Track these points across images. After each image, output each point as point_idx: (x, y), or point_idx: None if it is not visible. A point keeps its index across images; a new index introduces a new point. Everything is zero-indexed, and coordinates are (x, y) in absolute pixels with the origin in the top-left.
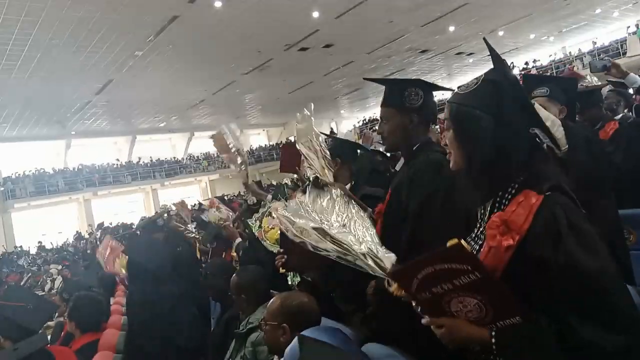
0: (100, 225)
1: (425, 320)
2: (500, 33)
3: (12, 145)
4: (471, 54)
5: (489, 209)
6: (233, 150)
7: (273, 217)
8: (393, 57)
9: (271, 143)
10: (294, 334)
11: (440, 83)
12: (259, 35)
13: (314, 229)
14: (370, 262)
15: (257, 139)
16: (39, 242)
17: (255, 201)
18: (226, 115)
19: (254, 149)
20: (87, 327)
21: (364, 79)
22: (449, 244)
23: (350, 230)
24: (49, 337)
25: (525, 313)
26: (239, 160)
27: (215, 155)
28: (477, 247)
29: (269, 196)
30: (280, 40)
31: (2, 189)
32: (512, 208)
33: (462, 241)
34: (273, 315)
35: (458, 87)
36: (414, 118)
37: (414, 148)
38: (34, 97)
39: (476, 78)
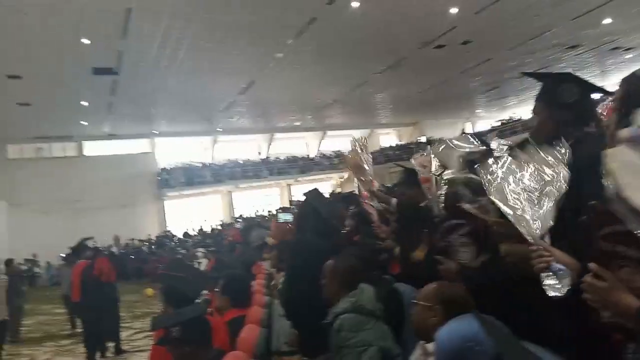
0: (239, 217)
1: (592, 265)
2: None
3: (168, 140)
4: (629, 49)
5: None
6: (363, 165)
7: None
8: (537, 54)
9: (401, 142)
10: (445, 318)
11: (591, 81)
12: (394, 34)
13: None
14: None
15: (387, 138)
16: (187, 229)
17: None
18: (357, 114)
19: (382, 147)
20: (237, 303)
21: (522, 73)
22: None
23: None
24: None
25: None
26: (366, 169)
27: (346, 153)
28: None
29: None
30: (416, 38)
31: (159, 178)
32: None
33: None
34: (427, 296)
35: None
36: (566, 114)
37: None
38: (187, 96)
39: None
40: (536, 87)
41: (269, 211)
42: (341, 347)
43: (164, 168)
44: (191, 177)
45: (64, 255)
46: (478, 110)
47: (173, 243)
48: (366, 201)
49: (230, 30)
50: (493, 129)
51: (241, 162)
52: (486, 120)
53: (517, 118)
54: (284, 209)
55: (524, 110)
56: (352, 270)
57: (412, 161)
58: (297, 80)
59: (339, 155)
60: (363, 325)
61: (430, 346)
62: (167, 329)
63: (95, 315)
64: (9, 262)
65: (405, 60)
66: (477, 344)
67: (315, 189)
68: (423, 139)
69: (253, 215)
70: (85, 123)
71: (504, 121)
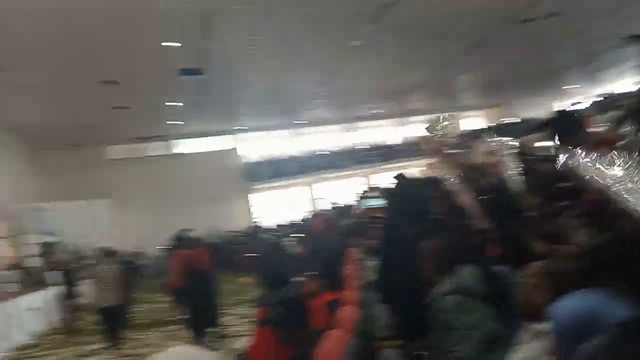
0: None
1: None
2: None
3: (253, 134)
4: None
5: None
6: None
7: None
8: (635, 22)
9: (488, 125)
10: (554, 296)
11: None
12: (476, 11)
13: None
14: None
15: (474, 121)
16: (275, 220)
17: None
18: (440, 98)
19: (465, 131)
20: (330, 286)
21: (630, 37)
22: None
23: None
24: None
25: None
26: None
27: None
28: None
29: None
30: (499, 13)
31: (245, 172)
32: None
33: None
34: (535, 274)
35: None
36: None
37: None
38: (269, 91)
39: None
40: (634, 58)
41: (356, 199)
42: (444, 329)
43: (250, 162)
44: (276, 170)
45: (165, 247)
46: (570, 87)
47: (263, 234)
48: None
49: (308, 22)
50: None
51: (324, 152)
52: (580, 97)
53: (613, 92)
54: (368, 195)
55: (621, 84)
56: (450, 251)
57: (473, 153)
58: (377, 67)
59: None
60: (467, 307)
61: (540, 326)
62: (269, 310)
63: (197, 301)
64: (116, 254)
65: (489, 38)
66: (599, 319)
67: (403, 173)
68: (514, 120)
69: (340, 204)
70: (176, 123)
71: (600, 96)
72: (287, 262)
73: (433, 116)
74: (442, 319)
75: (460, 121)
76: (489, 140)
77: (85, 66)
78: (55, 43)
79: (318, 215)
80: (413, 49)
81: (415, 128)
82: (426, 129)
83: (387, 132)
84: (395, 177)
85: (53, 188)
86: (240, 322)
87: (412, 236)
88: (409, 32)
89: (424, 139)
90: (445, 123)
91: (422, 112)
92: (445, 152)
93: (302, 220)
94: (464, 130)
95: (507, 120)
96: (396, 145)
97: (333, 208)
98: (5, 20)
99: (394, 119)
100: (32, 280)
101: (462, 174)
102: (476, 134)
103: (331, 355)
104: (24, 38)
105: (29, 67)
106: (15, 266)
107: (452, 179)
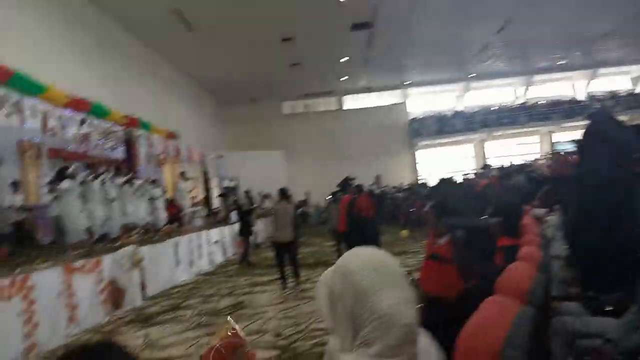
0: (487, 167)
1: None
2: None
3: (419, 90)
4: None
5: None
6: None
7: None
8: None
9: None
10: None
11: None
12: None
13: None
14: None
15: None
16: (438, 177)
17: None
18: (635, 48)
19: None
20: (508, 231)
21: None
22: None
23: None
24: None
25: None
26: None
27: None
28: None
29: None
30: None
31: (410, 128)
32: None
33: None
34: None
35: None
36: None
37: None
38: (439, 43)
39: None
40: None
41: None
42: None
43: (415, 118)
44: (442, 126)
45: (331, 194)
46: None
47: (426, 190)
48: None
49: None
50: None
51: (495, 108)
52: None
53: None
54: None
55: None
56: None
57: None
58: (563, 11)
59: (614, 96)
60: None
61: None
62: (452, 235)
63: (358, 244)
64: (291, 197)
65: None
66: None
67: (602, 110)
68: None
69: (511, 163)
70: (344, 78)
71: None
72: (463, 195)
73: None
74: None
75: None
76: None
77: (265, 23)
78: (240, 1)
79: (483, 173)
80: None
81: (606, 81)
82: None
83: (572, 85)
84: (591, 116)
85: (235, 138)
86: None
87: (613, 182)
88: None
89: None
90: None
91: (616, 63)
92: None
93: (466, 178)
94: None
95: None
96: (581, 100)
97: (501, 167)
98: None
99: (580, 72)
100: (215, 217)
101: None
102: None
103: (518, 286)
104: None
105: (216, 26)
106: (203, 204)
107: None
